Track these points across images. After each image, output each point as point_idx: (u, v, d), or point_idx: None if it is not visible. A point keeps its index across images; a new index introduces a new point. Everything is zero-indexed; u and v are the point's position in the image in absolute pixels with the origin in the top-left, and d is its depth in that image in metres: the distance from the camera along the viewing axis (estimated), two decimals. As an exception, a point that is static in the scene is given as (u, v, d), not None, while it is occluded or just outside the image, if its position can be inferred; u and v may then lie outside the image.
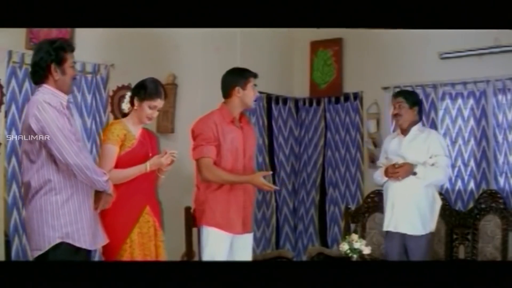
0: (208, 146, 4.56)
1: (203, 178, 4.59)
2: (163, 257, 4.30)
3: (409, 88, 6.48)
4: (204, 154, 4.55)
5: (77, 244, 3.73)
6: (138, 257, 4.15)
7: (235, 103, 4.68)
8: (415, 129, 5.26)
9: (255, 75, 4.71)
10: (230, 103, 4.69)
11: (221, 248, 4.60)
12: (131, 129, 4.26)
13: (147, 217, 4.24)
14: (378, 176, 5.36)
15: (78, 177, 3.72)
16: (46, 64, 3.76)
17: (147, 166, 4.20)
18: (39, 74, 3.79)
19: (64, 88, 3.83)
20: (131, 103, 4.33)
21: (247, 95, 4.66)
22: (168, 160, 4.26)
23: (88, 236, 3.80)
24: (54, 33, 5.06)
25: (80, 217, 3.75)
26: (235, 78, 4.69)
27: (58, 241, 3.68)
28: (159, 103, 4.32)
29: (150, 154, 4.29)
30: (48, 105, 3.67)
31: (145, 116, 4.30)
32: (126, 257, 4.13)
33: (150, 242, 4.21)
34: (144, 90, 4.31)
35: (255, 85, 4.70)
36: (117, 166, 4.17)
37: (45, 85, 3.79)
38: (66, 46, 3.85)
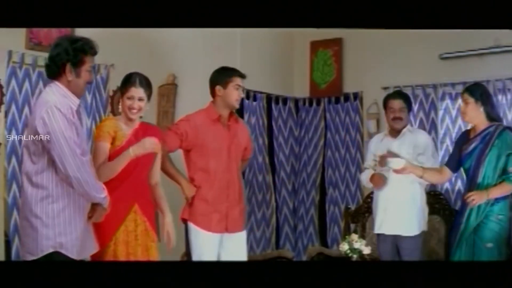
0: (174, 137, 4.59)
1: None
2: (155, 257, 4.26)
3: (408, 89, 6.49)
4: (167, 140, 4.55)
5: (69, 255, 3.67)
6: (121, 254, 4.11)
7: (218, 102, 4.67)
8: (405, 130, 5.32)
9: (241, 75, 4.67)
10: (215, 102, 4.69)
11: (207, 248, 4.59)
12: (123, 127, 4.20)
13: (134, 215, 4.19)
14: (364, 179, 5.43)
15: (76, 190, 3.64)
16: (61, 62, 3.65)
17: (130, 151, 4.13)
18: (52, 70, 3.69)
19: (76, 90, 3.72)
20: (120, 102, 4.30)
21: (228, 95, 4.63)
22: (151, 146, 4.21)
23: (79, 247, 3.75)
24: (54, 33, 5.06)
25: (74, 228, 3.69)
26: (218, 76, 4.69)
27: (51, 250, 3.62)
28: (134, 91, 4.21)
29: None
30: (58, 111, 3.56)
31: (125, 108, 4.22)
32: (109, 253, 4.10)
33: (135, 240, 4.16)
34: (121, 84, 4.29)
35: (238, 85, 4.64)
36: None
37: (57, 83, 3.68)
38: (87, 49, 3.72)
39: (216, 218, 4.61)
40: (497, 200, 4.56)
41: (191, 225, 4.62)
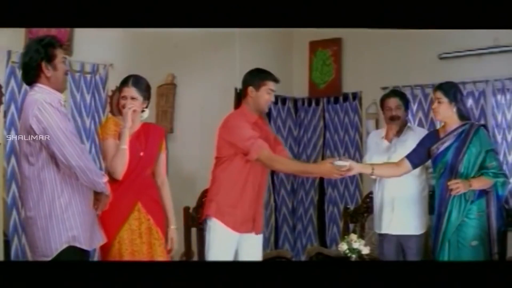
0: (258, 140, 4.43)
1: (275, 170, 4.48)
2: (161, 255, 4.25)
3: (407, 89, 6.49)
4: (262, 147, 4.42)
5: (83, 247, 3.71)
6: (126, 252, 4.13)
7: (250, 103, 4.59)
8: (407, 129, 5.29)
9: (275, 79, 4.59)
10: (248, 103, 4.60)
11: (227, 246, 4.54)
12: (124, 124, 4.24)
13: (137, 213, 4.20)
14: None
15: (80, 179, 3.66)
16: (36, 63, 3.70)
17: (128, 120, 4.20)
18: (31, 74, 3.73)
19: (58, 85, 3.76)
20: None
21: (260, 97, 4.54)
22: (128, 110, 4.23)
23: (90, 238, 3.78)
24: (53, 33, 5.06)
25: (83, 219, 3.71)
26: (251, 78, 4.60)
27: (65, 246, 3.64)
28: (126, 91, 4.26)
29: (142, 154, 4.26)
30: (50, 105, 3.60)
31: (120, 107, 4.27)
32: (114, 253, 4.12)
33: (139, 238, 4.17)
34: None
35: (271, 90, 4.55)
36: None
37: (39, 84, 3.71)
38: (55, 42, 3.79)
39: (244, 218, 4.54)
40: (475, 197, 4.56)
41: (217, 222, 4.52)
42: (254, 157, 4.42)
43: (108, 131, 4.21)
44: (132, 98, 4.25)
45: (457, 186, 4.51)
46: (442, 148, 4.67)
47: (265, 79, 4.58)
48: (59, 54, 3.79)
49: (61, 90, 3.83)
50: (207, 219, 4.56)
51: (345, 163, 4.58)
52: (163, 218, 4.35)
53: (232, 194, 4.54)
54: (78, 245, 3.68)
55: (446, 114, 4.67)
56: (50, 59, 3.73)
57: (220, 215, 4.53)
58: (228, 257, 4.52)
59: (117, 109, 4.45)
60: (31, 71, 3.73)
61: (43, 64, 3.71)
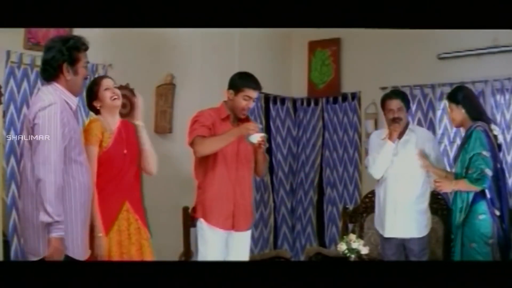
0: (201, 128, 4.54)
1: (199, 155, 4.57)
2: (149, 255, 4.24)
3: (407, 89, 6.48)
4: (198, 133, 4.52)
5: (70, 254, 3.67)
6: (115, 254, 4.10)
7: (228, 105, 4.68)
8: (408, 130, 5.27)
9: (254, 87, 4.64)
10: (227, 103, 4.69)
11: (214, 245, 4.60)
12: (107, 127, 4.21)
13: (125, 214, 4.17)
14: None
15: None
16: (57, 63, 3.67)
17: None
18: (49, 73, 3.70)
19: (75, 88, 3.74)
20: (94, 109, 4.30)
21: (236, 102, 4.62)
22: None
23: (82, 246, 3.76)
24: (52, 33, 5.06)
25: (75, 228, 3.69)
26: (234, 81, 4.68)
27: None
28: (107, 81, 4.27)
29: (125, 151, 4.23)
30: (54, 112, 3.57)
31: (108, 98, 4.22)
32: None
33: (128, 239, 4.16)
34: (90, 85, 4.29)
35: (248, 96, 4.60)
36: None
37: (56, 84, 3.69)
38: (80, 45, 3.76)
39: (223, 215, 4.60)
40: (474, 199, 4.62)
41: (200, 222, 4.63)
42: (189, 142, 4.55)
43: (90, 136, 4.12)
44: (115, 87, 4.32)
45: (439, 185, 4.75)
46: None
47: (243, 86, 4.62)
48: (83, 58, 3.77)
49: (77, 94, 3.80)
50: (194, 221, 4.71)
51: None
52: (147, 220, 4.34)
53: (211, 191, 4.62)
54: (65, 252, 3.64)
55: (458, 119, 4.80)
56: (72, 62, 3.71)
57: (202, 213, 4.63)
58: (216, 255, 4.59)
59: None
60: (50, 69, 3.70)
61: (65, 67, 3.69)
